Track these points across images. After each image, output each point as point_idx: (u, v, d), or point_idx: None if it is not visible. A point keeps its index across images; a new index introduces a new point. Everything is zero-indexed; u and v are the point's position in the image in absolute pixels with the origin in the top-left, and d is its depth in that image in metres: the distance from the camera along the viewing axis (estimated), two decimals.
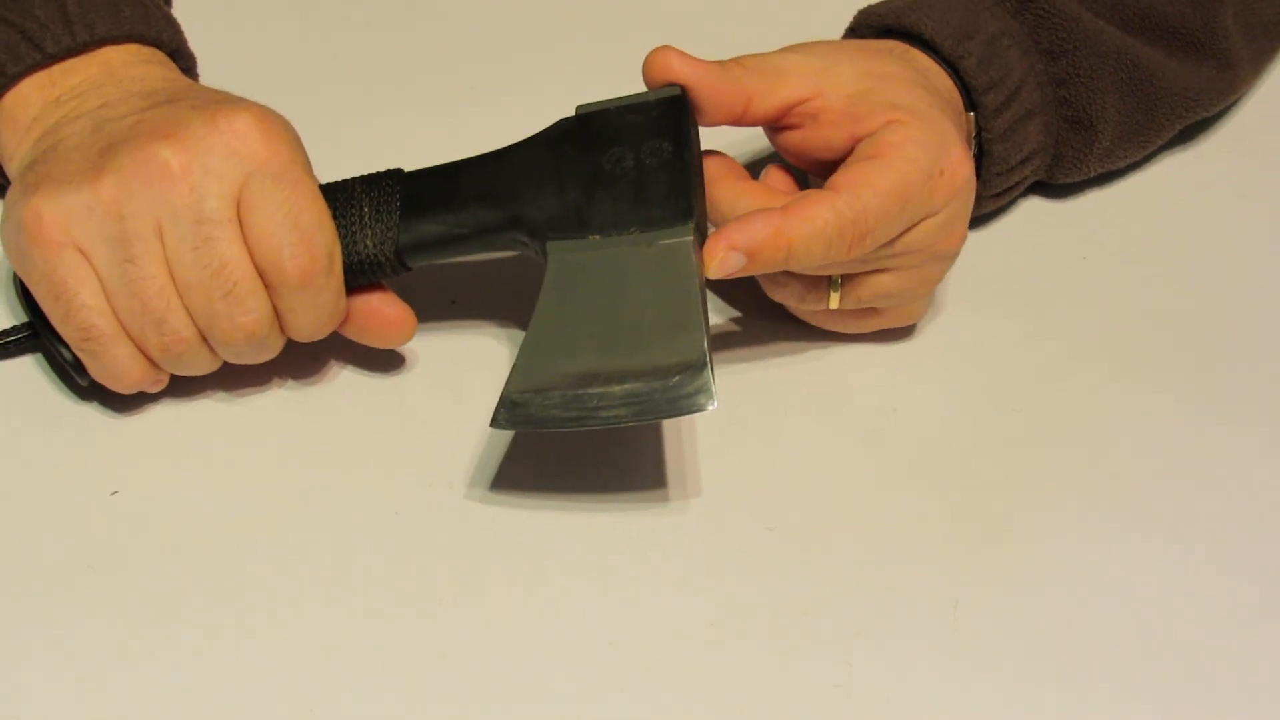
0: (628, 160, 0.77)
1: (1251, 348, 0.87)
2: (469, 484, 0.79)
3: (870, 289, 0.81)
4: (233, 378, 0.81)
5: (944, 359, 0.85)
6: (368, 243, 0.78)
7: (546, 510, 0.78)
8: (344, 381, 0.82)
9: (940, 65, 0.85)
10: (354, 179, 0.80)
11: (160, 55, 0.83)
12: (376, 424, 0.81)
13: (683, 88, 0.78)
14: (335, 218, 0.78)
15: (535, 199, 0.78)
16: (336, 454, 0.80)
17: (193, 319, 0.76)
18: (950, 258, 0.82)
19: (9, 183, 0.79)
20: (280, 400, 0.81)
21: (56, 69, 0.81)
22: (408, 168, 0.80)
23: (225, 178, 0.75)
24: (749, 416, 0.82)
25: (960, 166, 0.79)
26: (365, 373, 0.83)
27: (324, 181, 0.79)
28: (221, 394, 0.81)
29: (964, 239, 0.81)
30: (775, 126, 0.81)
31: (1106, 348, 0.86)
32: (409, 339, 0.81)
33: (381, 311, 0.80)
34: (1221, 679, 0.75)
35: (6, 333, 0.81)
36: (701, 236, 0.77)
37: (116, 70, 0.81)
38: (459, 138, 0.84)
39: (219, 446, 0.80)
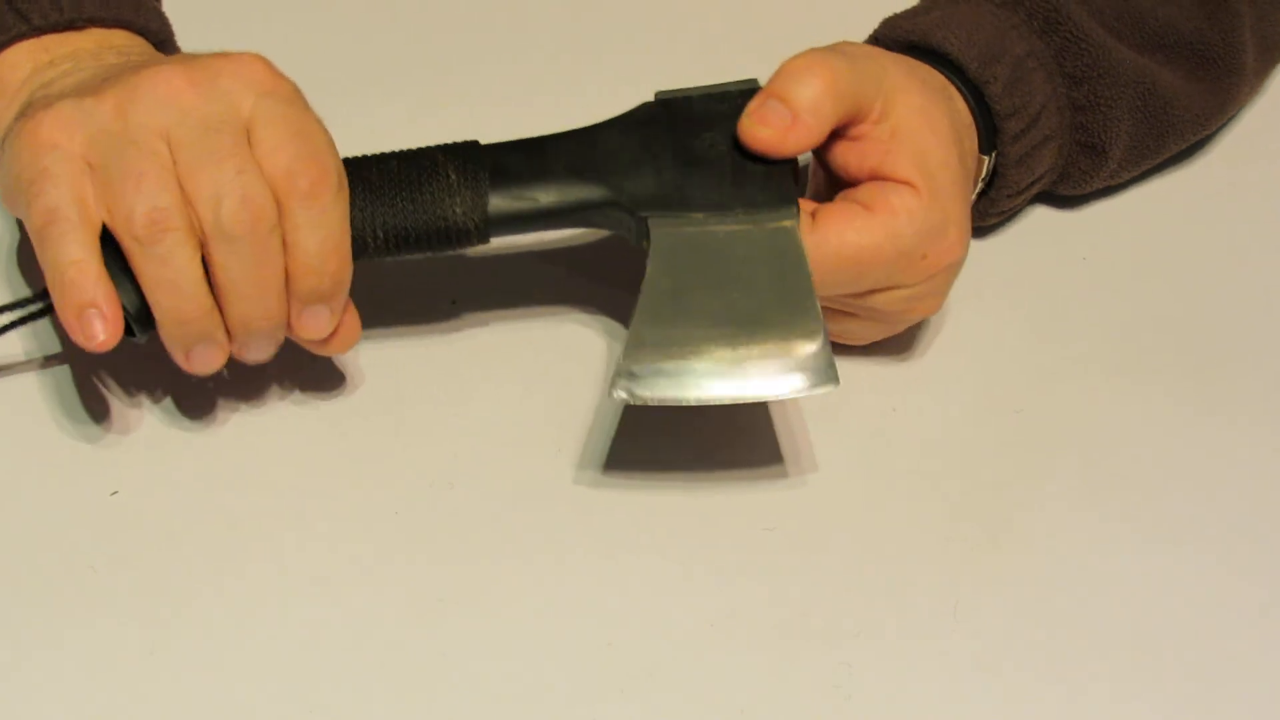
0: (721, 145, 0.78)
1: (1251, 349, 0.87)
2: (469, 484, 0.79)
3: (834, 325, 0.81)
4: (232, 377, 0.81)
5: (944, 359, 0.85)
6: (456, 210, 0.77)
7: (546, 510, 0.78)
8: (343, 381, 0.82)
9: (968, 100, 0.83)
10: (432, 147, 0.78)
11: (149, 47, 0.82)
12: (376, 424, 0.81)
13: (757, 81, 0.78)
14: (420, 182, 0.77)
15: (632, 176, 0.77)
16: (336, 454, 0.80)
17: (192, 209, 0.72)
18: (918, 319, 0.82)
19: None
20: (280, 400, 0.81)
21: (49, 39, 0.79)
22: None
23: (234, 95, 0.73)
24: (749, 416, 0.82)
25: (948, 254, 0.78)
26: (365, 373, 0.83)
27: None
28: (221, 394, 0.81)
29: (939, 308, 0.81)
30: None
31: (1106, 349, 0.86)
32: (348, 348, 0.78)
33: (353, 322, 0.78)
34: (1222, 679, 0.75)
35: (16, 303, 0.77)
36: (798, 213, 0.77)
37: (115, 45, 0.80)
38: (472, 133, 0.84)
39: (219, 447, 0.80)
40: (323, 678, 0.72)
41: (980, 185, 0.85)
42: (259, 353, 0.76)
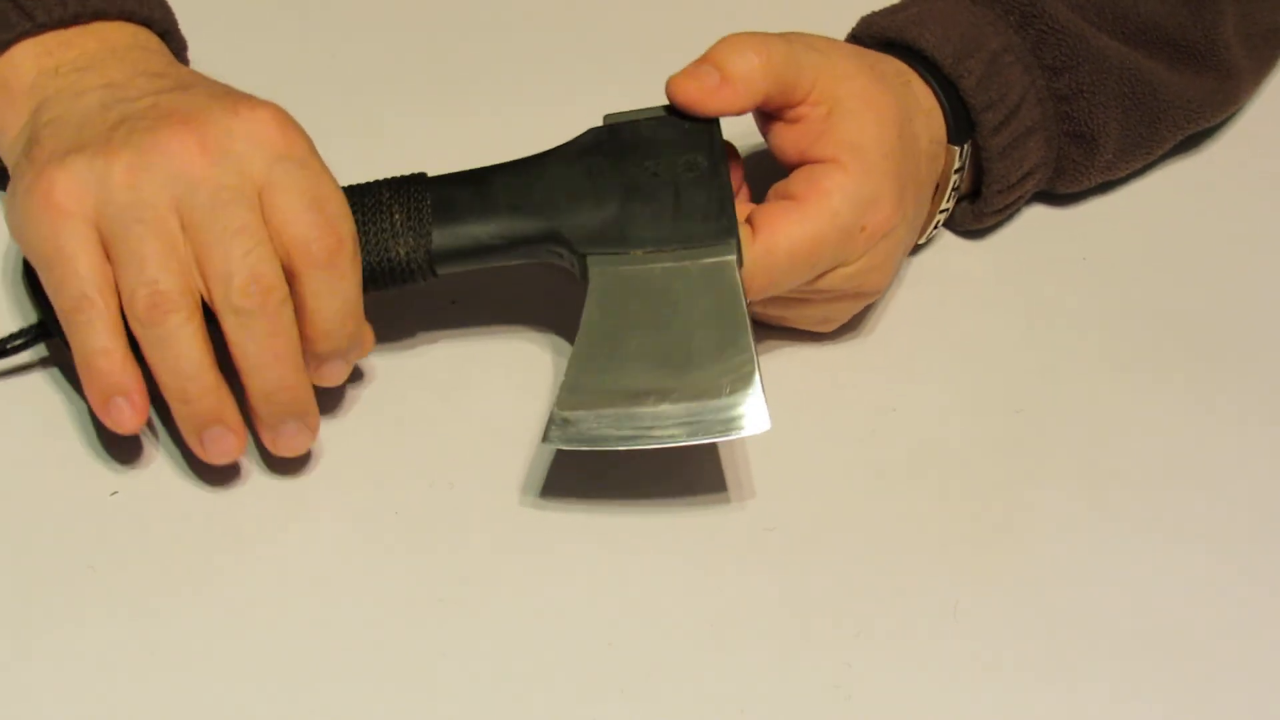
0: (664, 174, 0.78)
1: (1252, 348, 0.87)
2: (469, 484, 0.79)
3: (790, 312, 0.82)
4: (232, 378, 0.81)
5: (944, 359, 0.85)
6: (400, 250, 0.78)
7: (546, 511, 0.78)
8: (344, 381, 0.82)
9: (935, 89, 0.84)
10: (377, 183, 0.79)
11: (155, 40, 0.82)
12: (377, 424, 0.81)
13: None
14: (364, 223, 0.77)
15: (573, 211, 0.78)
16: (336, 453, 0.80)
17: (204, 284, 0.73)
18: (872, 295, 0.83)
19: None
20: None
21: (52, 39, 0.80)
22: (410, 171, 0.80)
23: (247, 160, 0.74)
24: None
25: (885, 223, 0.79)
26: (365, 373, 0.83)
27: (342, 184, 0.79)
28: None
29: (889, 281, 0.82)
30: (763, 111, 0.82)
31: (1106, 348, 0.86)
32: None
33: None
34: (1222, 678, 0.75)
35: (15, 335, 0.79)
36: (738, 248, 0.77)
37: (118, 49, 0.80)
38: (463, 143, 0.84)
39: None
40: (322, 678, 0.72)
41: (956, 180, 0.85)
42: (291, 437, 0.76)
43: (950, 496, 0.80)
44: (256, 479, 0.79)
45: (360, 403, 0.82)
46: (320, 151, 0.77)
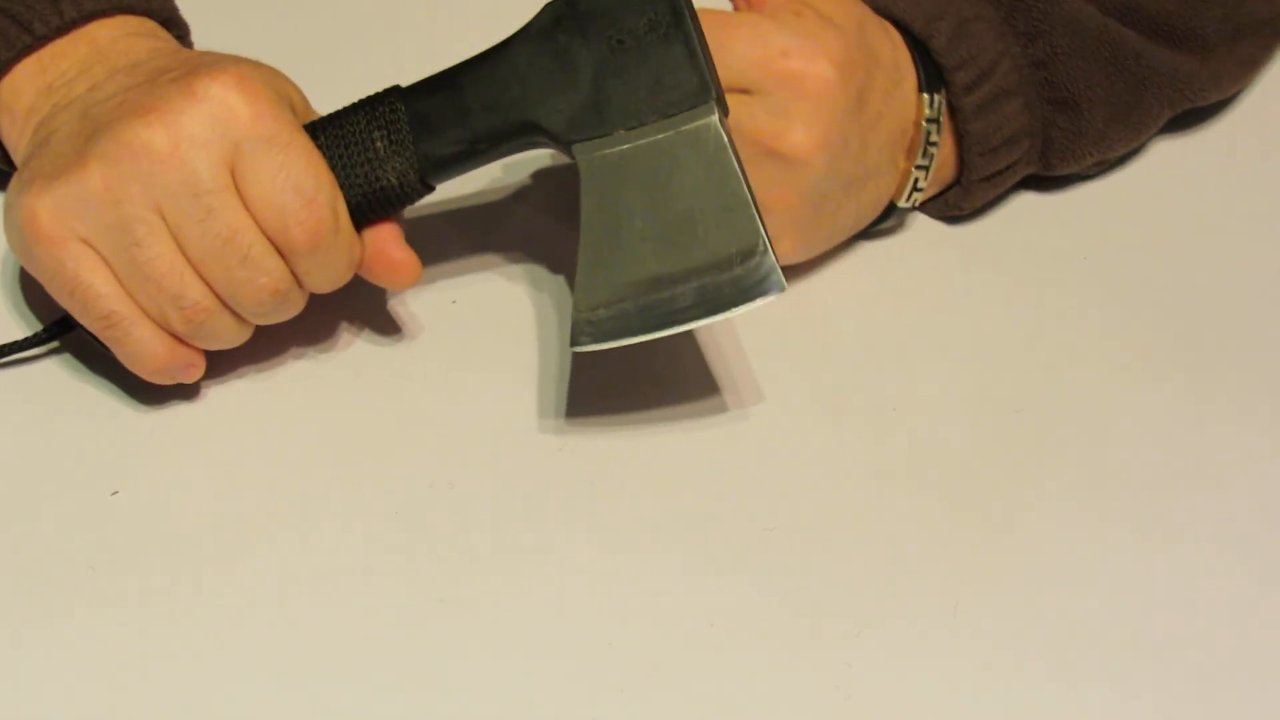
0: (629, 40, 0.76)
1: (1253, 348, 0.87)
2: (469, 484, 0.79)
3: None
4: (232, 379, 0.81)
5: (944, 359, 0.85)
6: (390, 177, 0.77)
7: (546, 510, 0.78)
8: (344, 381, 0.82)
9: (911, 51, 0.85)
10: (351, 107, 0.78)
11: (150, 25, 0.82)
12: (377, 424, 0.81)
13: None
14: (345, 156, 0.77)
15: (548, 101, 0.76)
16: (336, 453, 0.80)
17: (212, 289, 0.75)
18: (784, 163, 0.80)
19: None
20: (280, 400, 0.81)
21: (46, 54, 0.80)
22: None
23: (213, 146, 0.74)
24: (749, 415, 0.82)
25: (811, 64, 0.79)
26: (365, 372, 0.83)
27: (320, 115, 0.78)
28: (221, 395, 0.81)
29: (801, 149, 0.80)
30: None
31: (1107, 348, 0.86)
32: (414, 283, 0.80)
33: (388, 253, 0.79)
34: (1222, 679, 0.75)
35: (40, 333, 0.80)
36: (721, 103, 0.76)
37: (104, 48, 0.80)
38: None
39: (219, 447, 0.80)
40: (323, 678, 0.72)
41: (929, 131, 0.85)
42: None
43: (950, 496, 0.80)
44: (256, 478, 0.79)
45: (360, 402, 0.82)
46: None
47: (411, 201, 0.78)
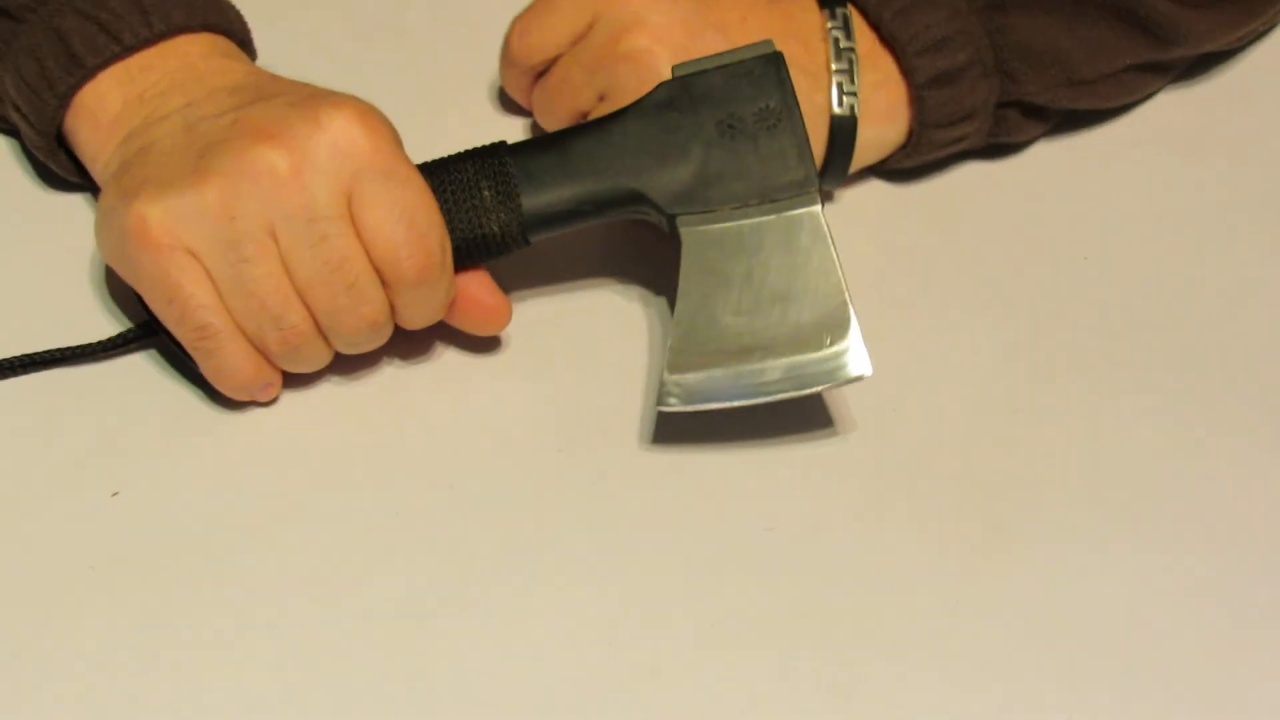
0: (739, 126, 0.79)
1: (1252, 350, 0.87)
2: (469, 484, 0.79)
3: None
4: None
5: (944, 359, 0.85)
6: (493, 226, 0.79)
7: (546, 510, 0.78)
8: (344, 382, 0.82)
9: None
10: (460, 156, 0.80)
11: (231, 46, 0.83)
12: (378, 423, 0.81)
13: (773, 43, 0.80)
14: (452, 201, 0.78)
15: (656, 172, 0.79)
16: (337, 454, 0.80)
17: (311, 313, 0.76)
18: (632, 56, 0.83)
19: (94, 184, 0.79)
20: (280, 401, 0.81)
21: (134, 64, 0.80)
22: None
23: (333, 175, 0.75)
24: (749, 415, 0.82)
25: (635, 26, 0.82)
26: (366, 373, 0.83)
27: (424, 160, 0.79)
28: (221, 396, 0.81)
29: (644, 47, 0.82)
30: None
31: (1107, 349, 0.86)
32: (505, 326, 0.81)
33: (482, 300, 0.80)
34: (1220, 680, 0.75)
35: (124, 334, 0.81)
36: (822, 193, 0.79)
37: (196, 64, 0.80)
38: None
39: (219, 447, 0.80)
40: (323, 678, 0.73)
41: (838, 40, 0.84)
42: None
43: (950, 496, 0.80)
44: (257, 479, 0.79)
45: (361, 403, 0.82)
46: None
47: (508, 252, 0.80)
